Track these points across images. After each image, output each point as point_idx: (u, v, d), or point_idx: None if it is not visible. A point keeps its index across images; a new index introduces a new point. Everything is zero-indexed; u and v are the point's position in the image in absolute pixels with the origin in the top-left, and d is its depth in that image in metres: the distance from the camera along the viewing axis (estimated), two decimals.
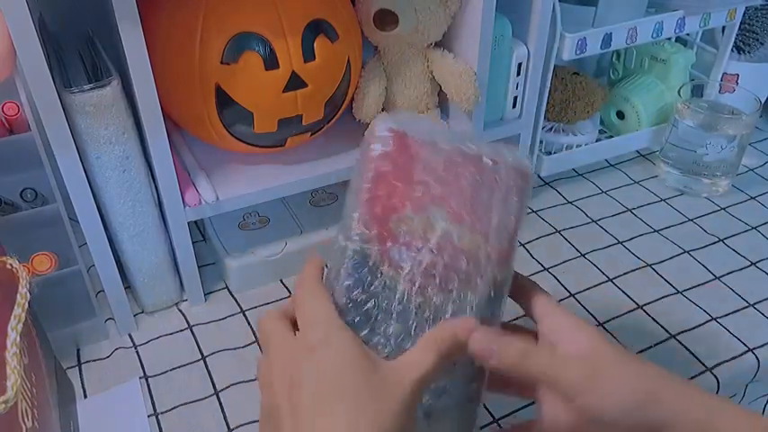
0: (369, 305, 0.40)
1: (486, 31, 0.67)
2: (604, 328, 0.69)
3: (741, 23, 0.88)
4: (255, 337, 0.68)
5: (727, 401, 0.40)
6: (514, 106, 0.77)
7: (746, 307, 0.71)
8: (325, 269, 0.44)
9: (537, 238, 0.81)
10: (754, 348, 0.66)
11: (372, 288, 0.40)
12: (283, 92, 0.61)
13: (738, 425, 0.38)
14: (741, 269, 0.77)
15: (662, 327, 0.68)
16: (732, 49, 0.91)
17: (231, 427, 0.59)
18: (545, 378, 0.40)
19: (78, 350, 0.66)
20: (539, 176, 0.89)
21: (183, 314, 0.71)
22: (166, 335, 0.68)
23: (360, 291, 0.40)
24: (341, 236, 0.42)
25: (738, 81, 0.95)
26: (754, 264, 0.77)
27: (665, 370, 0.40)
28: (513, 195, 0.43)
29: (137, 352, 0.66)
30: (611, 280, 0.75)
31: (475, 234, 0.42)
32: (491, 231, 0.42)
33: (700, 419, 0.38)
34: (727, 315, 0.70)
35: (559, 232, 0.82)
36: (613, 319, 0.69)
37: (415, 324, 0.40)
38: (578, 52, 0.75)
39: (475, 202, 0.42)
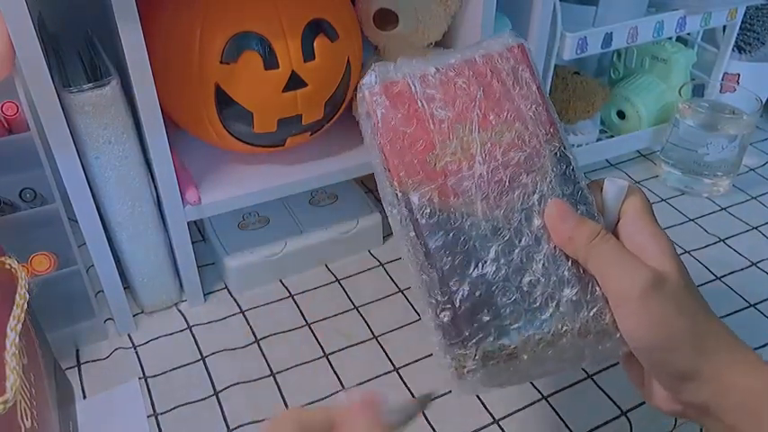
0: (462, 244, 0.40)
1: (487, 31, 0.67)
2: None
3: (742, 23, 0.88)
4: (255, 337, 0.68)
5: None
6: None
7: (747, 307, 0.71)
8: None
9: None
10: (755, 349, 0.66)
11: (456, 225, 0.41)
12: (283, 91, 0.60)
13: None
14: (742, 269, 0.76)
15: None
16: (733, 49, 0.91)
17: (231, 428, 0.59)
18: (597, 273, 0.40)
19: (77, 350, 0.66)
20: None
21: (183, 314, 0.71)
22: (166, 335, 0.68)
23: (445, 236, 0.41)
24: (393, 209, 0.42)
25: (739, 81, 0.95)
26: (755, 264, 0.77)
27: (724, 333, 0.41)
28: (520, 71, 0.44)
29: (136, 352, 0.66)
30: None
31: (510, 126, 0.43)
32: (523, 114, 0.43)
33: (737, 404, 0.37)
34: (727, 315, 0.70)
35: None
36: None
37: (510, 234, 0.41)
38: (579, 52, 0.75)
39: (491, 100, 0.43)
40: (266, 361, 0.65)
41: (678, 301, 0.39)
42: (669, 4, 0.80)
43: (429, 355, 0.64)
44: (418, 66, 0.45)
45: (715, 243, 0.80)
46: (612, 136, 0.94)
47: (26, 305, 0.45)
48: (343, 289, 0.74)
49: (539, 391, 0.61)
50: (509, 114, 0.43)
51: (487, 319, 0.40)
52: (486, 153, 0.42)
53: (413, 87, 0.44)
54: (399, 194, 0.42)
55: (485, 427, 0.58)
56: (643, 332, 0.38)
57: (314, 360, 0.65)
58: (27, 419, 0.44)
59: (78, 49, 0.66)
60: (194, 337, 0.68)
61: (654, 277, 0.38)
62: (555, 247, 0.41)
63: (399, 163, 0.42)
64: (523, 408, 0.59)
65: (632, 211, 0.42)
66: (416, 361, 0.65)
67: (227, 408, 0.61)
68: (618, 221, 0.43)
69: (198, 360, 0.66)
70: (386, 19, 0.66)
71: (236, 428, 0.59)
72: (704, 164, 0.85)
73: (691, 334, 0.38)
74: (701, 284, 0.74)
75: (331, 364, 0.65)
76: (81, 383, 0.63)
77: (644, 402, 0.60)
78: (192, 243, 0.67)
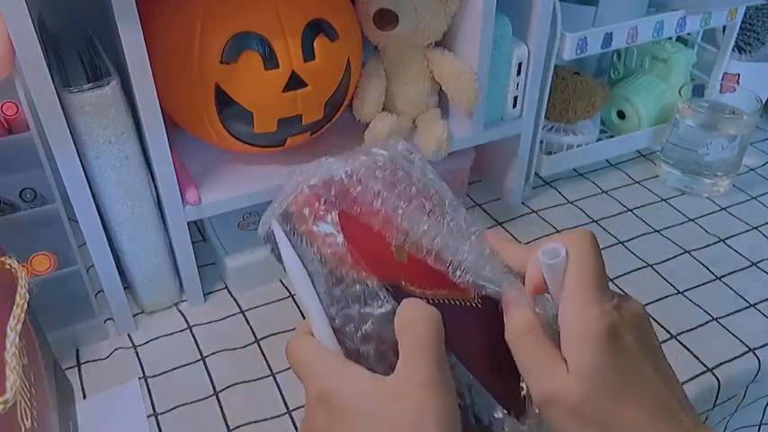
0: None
1: (487, 31, 0.67)
2: None
3: (742, 23, 0.88)
4: (255, 337, 0.68)
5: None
6: (515, 106, 0.77)
7: (747, 307, 0.71)
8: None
9: (537, 239, 0.81)
10: (755, 349, 0.66)
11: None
12: (283, 92, 0.60)
13: None
14: (742, 269, 0.76)
15: (662, 327, 0.68)
16: (733, 49, 0.91)
17: (231, 428, 0.59)
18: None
19: (77, 350, 0.66)
20: (539, 176, 0.89)
21: (183, 314, 0.71)
22: (166, 335, 0.68)
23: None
24: (374, 308, 0.38)
25: (739, 81, 0.95)
26: (755, 264, 0.77)
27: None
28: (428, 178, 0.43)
29: (136, 352, 0.66)
30: (611, 280, 0.74)
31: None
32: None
33: None
34: (728, 315, 0.70)
35: (560, 232, 0.82)
36: None
37: None
38: (579, 52, 0.75)
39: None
40: (266, 361, 0.65)
41: (578, 414, 0.35)
42: (669, 4, 0.80)
43: None
44: (327, 167, 0.41)
45: (715, 243, 0.80)
46: (612, 136, 0.94)
47: (26, 305, 0.45)
48: None
49: None
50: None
51: None
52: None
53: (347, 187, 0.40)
54: (388, 288, 0.38)
55: None
56: None
57: None
58: (27, 419, 0.44)
59: (78, 49, 0.66)
60: (194, 337, 0.68)
61: (548, 393, 0.36)
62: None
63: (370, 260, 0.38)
64: None
65: (569, 285, 0.37)
66: None
67: (227, 408, 0.61)
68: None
69: (198, 360, 0.66)
70: (386, 19, 0.66)
71: (235, 428, 0.59)
72: (704, 164, 0.85)
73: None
74: (702, 284, 0.74)
75: None
76: (81, 383, 0.63)
77: None
78: (192, 243, 0.67)
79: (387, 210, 0.40)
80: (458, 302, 0.40)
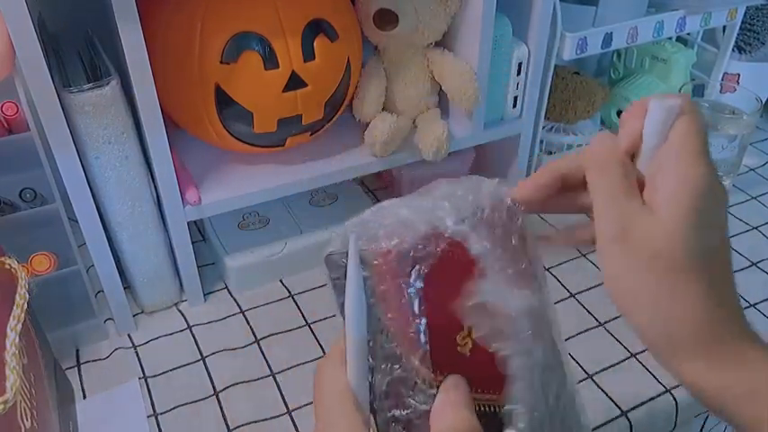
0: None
1: (487, 31, 0.67)
2: (605, 329, 0.68)
3: (742, 23, 0.88)
4: (255, 337, 0.68)
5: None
6: (515, 106, 0.77)
7: (747, 307, 0.71)
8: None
9: (537, 238, 0.81)
10: None
11: None
12: (283, 92, 0.60)
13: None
14: (742, 269, 0.76)
15: None
16: (733, 49, 0.91)
17: (231, 428, 0.59)
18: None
19: (77, 350, 0.66)
20: None
21: (183, 314, 0.71)
22: (166, 335, 0.68)
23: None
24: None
25: (739, 81, 0.95)
26: (755, 264, 0.77)
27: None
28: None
29: (136, 352, 0.66)
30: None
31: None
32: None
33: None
34: None
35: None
36: (614, 319, 0.69)
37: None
38: (579, 52, 0.75)
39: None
40: (266, 361, 0.65)
41: (668, 265, 0.31)
42: (669, 4, 0.80)
43: None
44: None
45: None
46: None
47: (26, 305, 0.45)
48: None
49: None
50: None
51: None
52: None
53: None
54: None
55: None
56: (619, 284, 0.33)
57: (314, 360, 0.65)
58: (27, 419, 0.44)
59: (78, 49, 0.66)
60: (194, 337, 0.68)
61: (640, 231, 0.31)
62: None
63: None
64: None
65: (676, 139, 0.32)
66: None
67: (227, 408, 0.61)
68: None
69: (198, 360, 0.65)
70: (386, 19, 0.66)
71: (235, 429, 0.59)
72: None
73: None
74: None
75: None
76: (81, 383, 0.63)
77: (644, 402, 0.60)
78: (192, 243, 0.67)
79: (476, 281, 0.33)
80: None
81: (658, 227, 0.31)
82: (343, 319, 0.34)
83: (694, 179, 0.31)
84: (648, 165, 0.33)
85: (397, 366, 0.33)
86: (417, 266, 0.33)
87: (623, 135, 0.34)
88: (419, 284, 0.33)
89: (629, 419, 0.59)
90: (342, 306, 0.34)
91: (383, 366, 0.34)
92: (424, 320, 0.33)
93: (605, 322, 0.69)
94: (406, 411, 0.33)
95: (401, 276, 0.33)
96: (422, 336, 0.33)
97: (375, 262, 0.33)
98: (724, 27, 0.90)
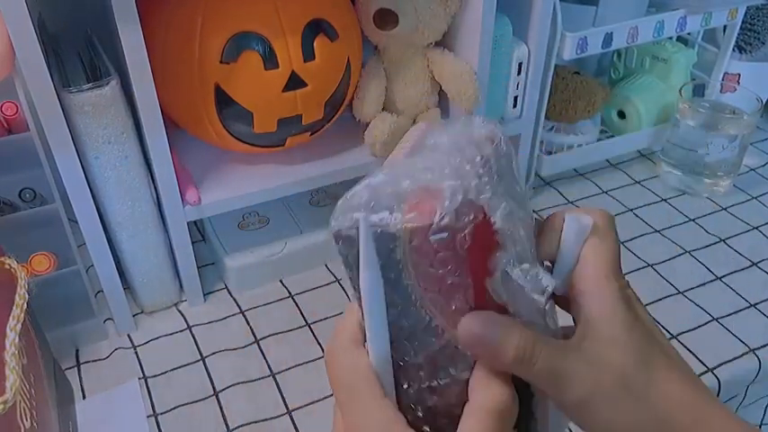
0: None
1: (487, 31, 0.67)
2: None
3: (742, 23, 0.88)
4: (255, 337, 0.68)
5: (717, 407, 0.33)
6: (515, 106, 0.77)
7: (748, 307, 0.71)
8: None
9: (536, 238, 0.81)
10: (756, 349, 0.66)
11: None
12: (283, 91, 0.60)
13: None
14: (742, 269, 0.76)
15: (663, 327, 0.68)
16: (733, 49, 0.91)
17: (230, 428, 0.59)
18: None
19: (77, 351, 0.66)
20: (539, 176, 0.89)
21: (183, 314, 0.70)
22: (166, 335, 0.68)
23: None
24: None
25: (740, 80, 0.95)
26: (756, 264, 0.77)
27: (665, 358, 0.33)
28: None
29: (136, 352, 0.66)
30: None
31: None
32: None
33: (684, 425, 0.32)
34: (728, 315, 0.70)
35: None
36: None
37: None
38: (579, 52, 0.75)
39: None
40: (266, 361, 0.65)
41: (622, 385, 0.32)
42: (669, 4, 0.80)
43: None
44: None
45: (715, 243, 0.80)
46: (612, 136, 0.94)
47: (26, 305, 0.45)
48: (343, 289, 0.74)
49: None
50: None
51: None
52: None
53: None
54: None
55: None
56: None
57: (314, 360, 0.65)
58: (27, 419, 0.44)
59: (78, 49, 0.66)
60: (194, 337, 0.68)
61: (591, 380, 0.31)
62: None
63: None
64: None
65: (590, 255, 0.34)
66: None
67: (227, 408, 0.61)
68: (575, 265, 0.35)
69: (198, 360, 0.65)
70: (386, 19, 0.66)
71: (235, 429, 0.59)
72: (704, 164, 0.85)
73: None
74: (702, 284, 0.74)
75: None
76: (81, 383, 0.63)
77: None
78: (192, 243, 0.67)
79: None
80: None
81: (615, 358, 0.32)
82: (357, 294, 0.33)
83: (614, 294, 0.33)
84: (566, 276, 0.35)
85: (433, 338, 0.32)
86: (458, 238, 0.31)
87: (544, 244, 0.36)
88: (462, 253, 0.31)
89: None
90: (352, 281, 0.33)
91: (416, 343, 0.33)
92: (470, 291, 0.32)
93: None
94: (444, 381, 0.33)
95: (441, 251, 0.31)
96: (467, 307, 0.32)
97: (411, 242, 0.31)
98: (724, 27, 0.89)
